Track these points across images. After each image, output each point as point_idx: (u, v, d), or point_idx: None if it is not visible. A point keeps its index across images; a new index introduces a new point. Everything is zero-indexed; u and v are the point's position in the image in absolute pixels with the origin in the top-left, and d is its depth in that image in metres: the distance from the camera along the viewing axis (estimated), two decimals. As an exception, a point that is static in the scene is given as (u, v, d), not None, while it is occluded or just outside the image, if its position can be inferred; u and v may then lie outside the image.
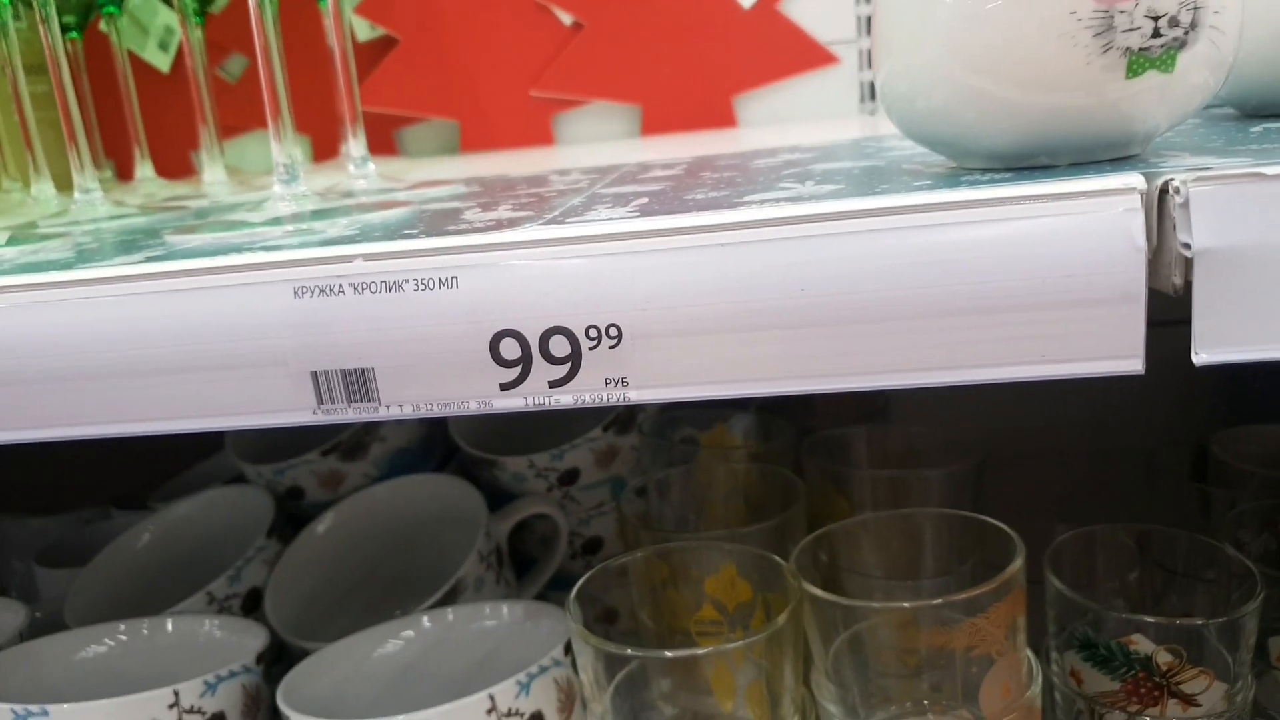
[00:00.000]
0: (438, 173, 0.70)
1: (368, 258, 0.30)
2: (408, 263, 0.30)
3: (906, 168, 0.37)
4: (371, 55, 0.94)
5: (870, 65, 0.92)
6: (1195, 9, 0.30)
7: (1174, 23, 0.29)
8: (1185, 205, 0.28)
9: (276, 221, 0.37)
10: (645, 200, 0.36)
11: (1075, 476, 0.80)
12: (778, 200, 0.32)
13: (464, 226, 0.33)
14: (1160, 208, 0.28)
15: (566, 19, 0.92)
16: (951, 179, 0.33)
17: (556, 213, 0.34)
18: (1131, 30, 0.29)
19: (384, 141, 0.96)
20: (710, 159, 0.55)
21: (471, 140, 0.94)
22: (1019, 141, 0.32)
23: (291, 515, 0.73)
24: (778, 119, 0.94)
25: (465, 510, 0.66)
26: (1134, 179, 0.28)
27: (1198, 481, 0.65)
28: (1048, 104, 0.31)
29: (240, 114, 0.96)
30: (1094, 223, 0.28)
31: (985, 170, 0.33)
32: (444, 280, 0.30)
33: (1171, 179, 0.28)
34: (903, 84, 0.34)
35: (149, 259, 0.33)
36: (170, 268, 0.30)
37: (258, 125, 0.98)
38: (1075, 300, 0.28)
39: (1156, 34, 0.29)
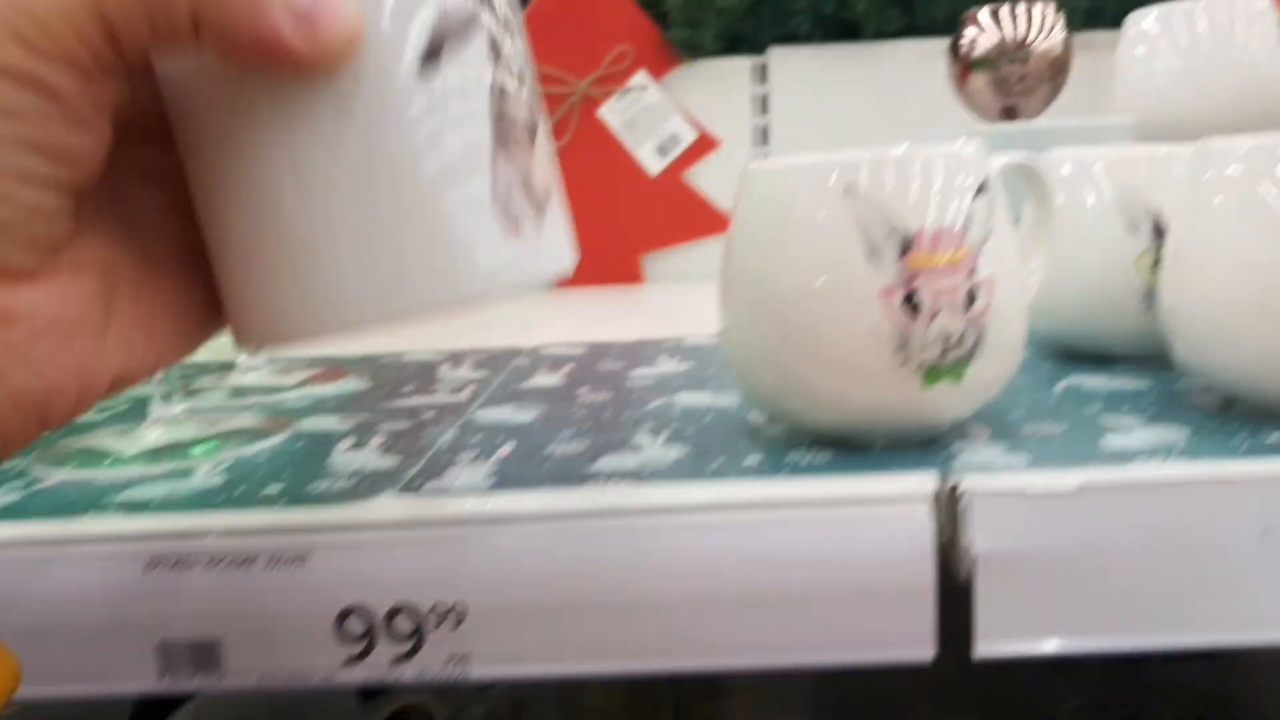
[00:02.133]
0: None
1: (220, 534, 0.32)
2: (261, 540, 0.32)
3: (751, 420, 0.41)
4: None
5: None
6: (980, 329, 0.34)
7: (960, 341, 0.33)
8: (968, 511, 0.31)
9: (147, 457, 0.39)
10: (509, 449, 0.38)
11: None
12: (620, 475, 0.34)
13: (325, 484, 0.35)
14: (950, 509, 0.32)
15: (479, 176, 0.96)
16: (780, 450, 0.36)
17: (416, 469, 0.37)
18: (925, 348, 0.33)
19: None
20: (604, 347, 0.58)
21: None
22: (837, 427, 0.36)
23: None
24: (682, 277, 0.98)
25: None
26: (927, 482, 0.32)
27: None
28: (860, 400, 0.34)
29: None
30: (889, 524, 0.31)
31: (809, 447, 0.36)
32: (294, 558, 0.32)
33: (959, 484, 0.32)
34: (741, 351, 0.37)
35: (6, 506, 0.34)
36: (21, 534, 0.32)
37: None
38: (871, 594, 0.31)
39: (946, 351, 0.33)
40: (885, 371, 0.33)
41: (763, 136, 0.98)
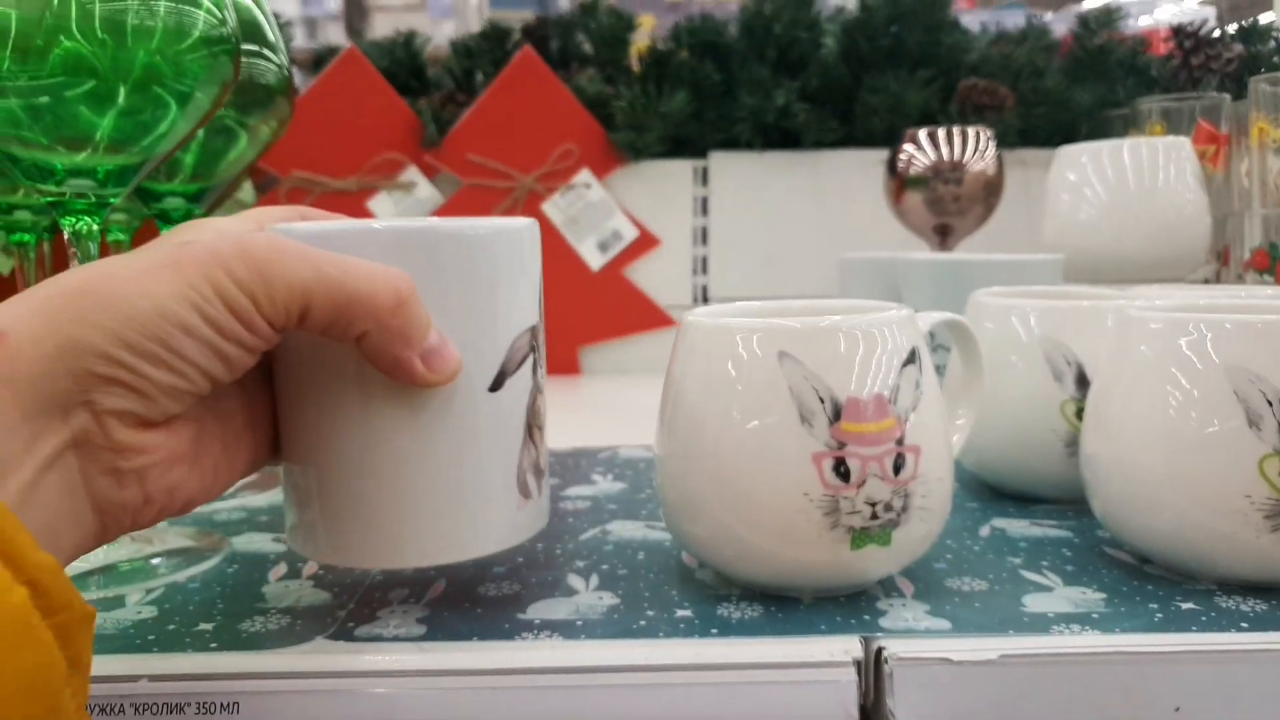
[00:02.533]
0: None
1: (152, 678, 0.31)
2: (192, 685, 0.31)
3: (684, 559, 0.41)
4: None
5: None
6: (906, 496, 0.35)
7: (888, 508, 0.34)
8: (892, 677, 0.32)
9: (78, 584, 0.38)
10: (441, 588, 0.38)
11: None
12: (552, 626, 0.35)
13: (258, 622, 0.35)
14: (875, 674, 0.33)
15: (423, 264, 0.96)
16: (710, 601, 0.37)
17: (347, 609, 0.36)
18: (853, 513, 0.34)
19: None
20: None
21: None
22: (769, 580, 0.37)
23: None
24: (619, 370, 0.99)
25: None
26: (853, 647, 0.33)
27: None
28: (791, 557, 0.35)
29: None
30: (816, 688, 0.32)
31: (739, 599, 0.37)
32: (225, 705, 0.31)
33: (884, 649, 0.32)
34: (674, 496, 0.38)
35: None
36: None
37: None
38: (798, 759, 0.32)
39: (874, 516, 0.34)
40: (814, 534, 0.34)
41: (703, 237, 1.00)
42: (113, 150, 0.36)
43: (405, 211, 0.96)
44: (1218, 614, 0.35)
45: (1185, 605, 0.35)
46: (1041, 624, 0.34)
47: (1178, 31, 0.98)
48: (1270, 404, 0.35)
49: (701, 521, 0.37)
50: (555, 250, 0.97)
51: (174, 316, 0.27)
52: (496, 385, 0.34)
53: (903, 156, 0.83)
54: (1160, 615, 0.35)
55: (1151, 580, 0.38)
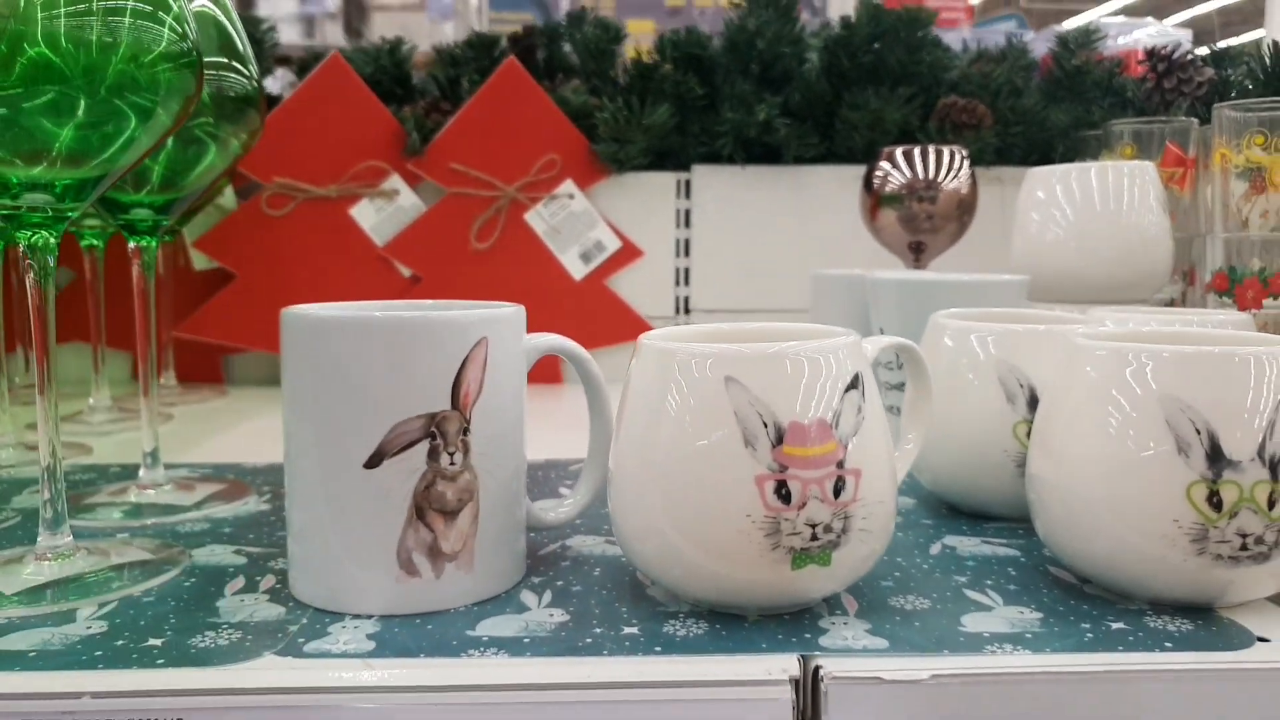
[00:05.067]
0: (249, 445, 0.72)
1: (95, 695, 0.32)
2: (135, 701, 0.32)
3: (640, 575, 0.42)
4: (207, 284, 0.96)
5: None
6: (846, 517, 0.35)
7: (828, 529, 0.35)
8: (827, 695, 0.33)
9: (30, 598, 0.39)
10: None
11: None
12: (501, 643, 0.35)
13: (209, 637, 0.36)
14: (811, 692, 0.33)
15: (406, 272, 0.97)
16: (658, 619, 0.37)
17: (299, 624, 0.37)
18: (794, 534, 0.35)
19: (211, 367, 0.97)
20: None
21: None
22: (714, 598, 0.37)
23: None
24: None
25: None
26: (790, 665, 0.33)
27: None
28: (734, 576, 0.36)
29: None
30: (755, 704, 0.33)
31: (686, 616, 0.38)
32: None
33: (820, 667, 0.33)
34: (624, 514, 0.38)
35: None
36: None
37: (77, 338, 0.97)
38: (734, 775, 0.32)
39: (814, 538, 0.35)
40: (757, 554, 0.35)
41: (685, 248, 1.01)
42: (70, 164, 0.37)
43: (388, 219, 0.96)
44: (1145, 634, 0.36)
45: (1116, 625, 0.36)
46: (976, 644, 0.35)
47: (1151, 54, 0.99)
48: (1199, 433, 0.35)
49: (650, 540, 0.37)
50: (538, 260, 0.98)
51: None
52: (372, 464, 0.37)
53: (878, 174, 0.84)
54: (1091, 635, 0.36)
55: (1088, 600, 0.39)
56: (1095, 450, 0.38)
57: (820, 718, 0.33)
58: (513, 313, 0.41)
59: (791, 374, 0.35)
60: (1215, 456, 0.35)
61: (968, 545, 0.46)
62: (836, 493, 0.35)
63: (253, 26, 1.01)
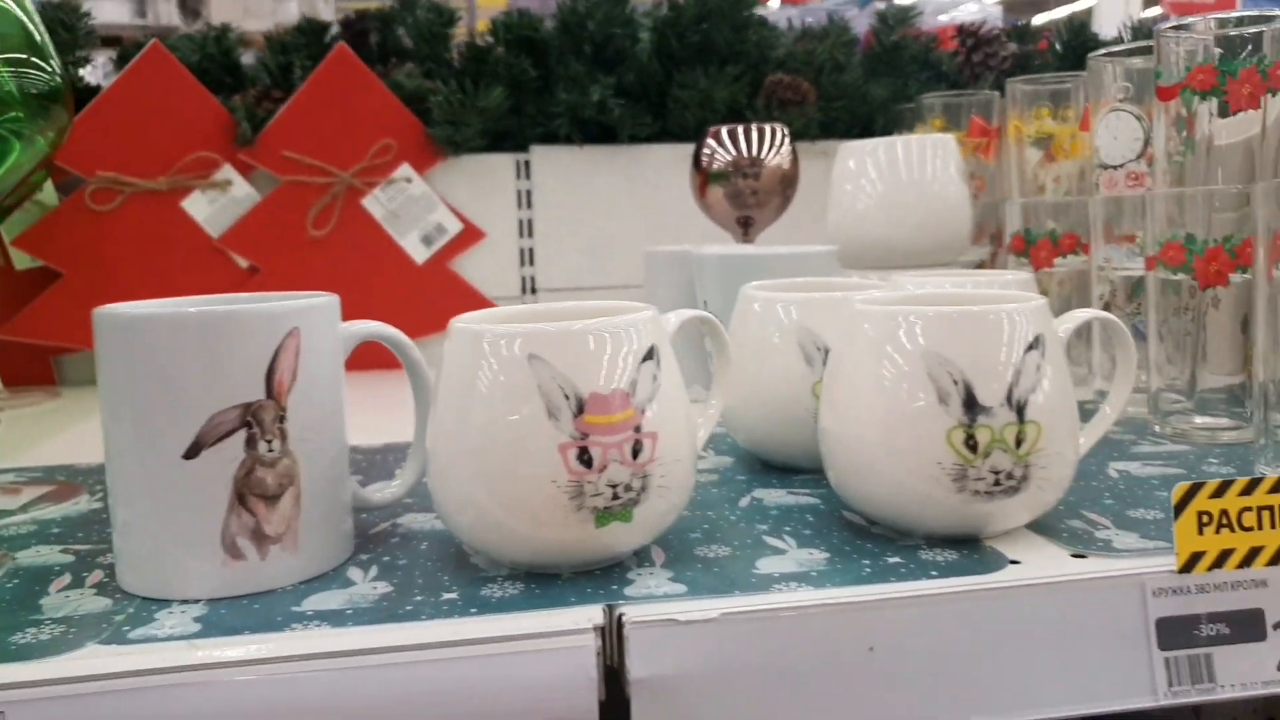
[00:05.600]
0: (82, 445, 0.71)
1: (-89, 697, 0.32)
2: (-48, 699, 0.32)
3: (462, 548, 0.44)
4: (31, 283, 0.93)
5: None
6: (645, 477, 0.38)
7: (628, 488, 0.38)
8: (629, 640, 0.36)
9: None
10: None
11: None
12: (324, 615, 0.37)
13: (30, 633, 0.36)
14: (616, 638, 0.36)
15: (243, 263, 0.96)
16: (477, 584, 0.40)
17: (126, 614, 0.38)
18: (597, 495, 0.38)
19: (42, 368, 0.94)
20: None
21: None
22: (529, 560, 0.40)
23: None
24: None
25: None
26: (595, 615, 0.36)
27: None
28: (544, 538, 0.38)
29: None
30: (561, 655, 0.35)
31: (505, 579, 0.40)
32: (-8, 714, 0.33)
33: (624, 614, 0.36)
34: (442, 489, 0.40)
35: None
36: None
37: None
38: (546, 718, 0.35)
39: (615, 497, 0.38)
40: (563, 516, 0.38)
41: (528, 229, 1.02)
42: None
43: (222, 210, 0.95)
44: (916, 565, 0.40)
45: (892, 560, 0.40)
46: (765, 584, 0.38)
47: (961, 30, 1.05)
48: (955, 383, 0.40)
49: (467, 511, 0.40)
50: (379, 245, 0.98)
51: None
52: (191, 454, 0.38)
53: (705, 152, 0.87)
54: (869, 569, 0.40)
55: (873, 540, 0.43)
56: (872, 403, 0.42)
57: (625, 660, 0.36)
58: (326, 302, 0.42)
59: (592, 349, 0.38)
60: (970, 404, 0.40)
61: (774, 497, 0.50)
62: (635, 454, 0.38)
63: (68, 12, 0.97)
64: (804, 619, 0.37)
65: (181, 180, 0.94)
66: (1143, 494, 0.48)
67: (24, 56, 0.50)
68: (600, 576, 0.40)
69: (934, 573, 0.39)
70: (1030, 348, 0.40)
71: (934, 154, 0.77)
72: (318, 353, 0.41)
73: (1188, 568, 0.39)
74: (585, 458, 0.37)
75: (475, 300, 1.00)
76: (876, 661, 0.37)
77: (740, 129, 0.86)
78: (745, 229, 0.88)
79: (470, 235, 1.00)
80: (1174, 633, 0.39)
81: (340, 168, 0.96)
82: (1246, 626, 0.40)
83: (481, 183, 1.01)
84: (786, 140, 0.88)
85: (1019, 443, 0.40)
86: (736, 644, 0.36)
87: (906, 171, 0.77)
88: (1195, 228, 0.58)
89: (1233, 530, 0.39)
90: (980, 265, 0.93)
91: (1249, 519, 0.40)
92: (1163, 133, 0.61)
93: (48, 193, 0.92)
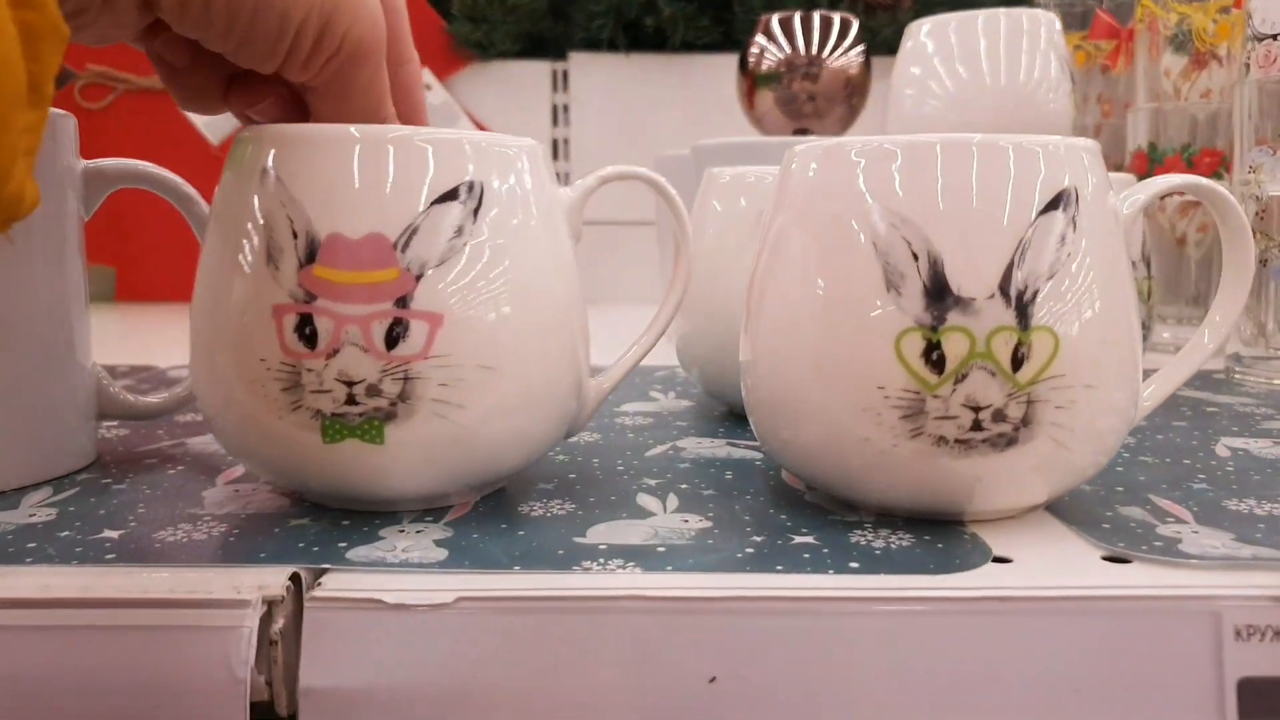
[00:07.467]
0: None
1: None
2: None
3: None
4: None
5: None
6: (406, 380, 0.25)
7: (374, 392, 0.24)
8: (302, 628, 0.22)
9: None
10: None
11: None
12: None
13: None
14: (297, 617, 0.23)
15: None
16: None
17: None
18: (320, 392, 0.24)
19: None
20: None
21: (126, 290, 0.87)
22: (263, 471, 0.27)
23: None
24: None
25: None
26: (271, 581, 0.23)
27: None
28: (251, 440, 0.26)
29: None
30: (205, 637, 0.22)
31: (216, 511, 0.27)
32: None
33: (319, 585, 0.23)
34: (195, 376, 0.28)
35: None
36: None
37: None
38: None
39: (351, 401, 0.24)
40: (276, 415, 0.25)
41: (564, 150, 0.89)
42: None
43: (224, 116, 0.85)
44: (833, 551, 0.25)
45: (799, 540, 0.25)
46: (573, 558, 0.24)
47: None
48: (916, 258, 0.24)
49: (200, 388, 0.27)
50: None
51: None
52: None
53: (754, 50, 0.72)
54: (752, 552, 0.25)
55: (795, 512, 0.28)
56: (792, 297, 0.27)
57: (297, 657, 0.23)
58: None
59: (351, 168, 0.25)
60: (938, 292, 0.24)
61: (703, 447, 0.35)
62: (391, 342, 0.24)
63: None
64: (590, 615, 0.22)
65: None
66: (1260, 481, 0.31)
67: None
68: (347, 526, 0.26)
69: (854, 564, 0.24)
70: (1050, 206, 0.24)
71: (1030, 33, 0.59)
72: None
73: (1305, 594, 0.23)
74: (307, 331, 0.24)
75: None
76: (718, 700, 0.22)
77: (798, 17, 0.71)
78: (797, 145, 0.73)
79: (497, 153, 0.88)
80: (1264, 700, 0.22)
81: (349, 67, 0.85)
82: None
83: (512, 94, 0.88)
84: (854, 35, 0.71)
85: (1018, 361, 0.24)
86: (475, 646, 0.22)
87: (990, 61, 0.59)
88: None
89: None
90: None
91: None
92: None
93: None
